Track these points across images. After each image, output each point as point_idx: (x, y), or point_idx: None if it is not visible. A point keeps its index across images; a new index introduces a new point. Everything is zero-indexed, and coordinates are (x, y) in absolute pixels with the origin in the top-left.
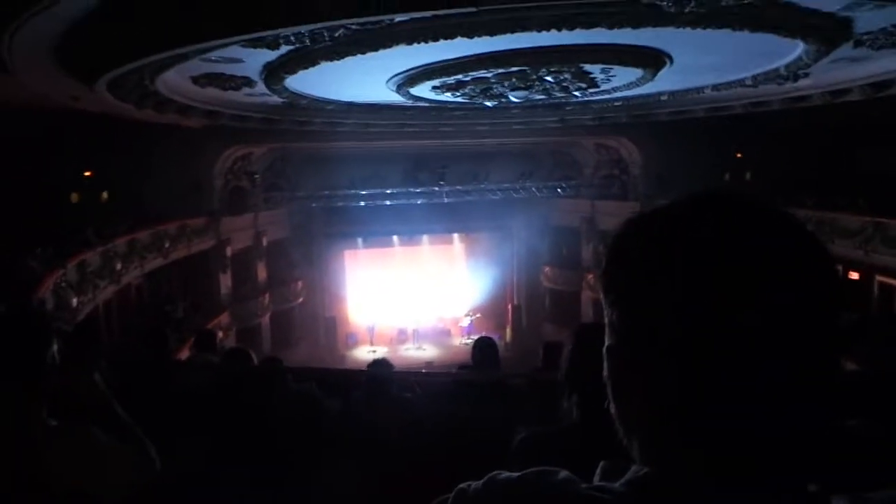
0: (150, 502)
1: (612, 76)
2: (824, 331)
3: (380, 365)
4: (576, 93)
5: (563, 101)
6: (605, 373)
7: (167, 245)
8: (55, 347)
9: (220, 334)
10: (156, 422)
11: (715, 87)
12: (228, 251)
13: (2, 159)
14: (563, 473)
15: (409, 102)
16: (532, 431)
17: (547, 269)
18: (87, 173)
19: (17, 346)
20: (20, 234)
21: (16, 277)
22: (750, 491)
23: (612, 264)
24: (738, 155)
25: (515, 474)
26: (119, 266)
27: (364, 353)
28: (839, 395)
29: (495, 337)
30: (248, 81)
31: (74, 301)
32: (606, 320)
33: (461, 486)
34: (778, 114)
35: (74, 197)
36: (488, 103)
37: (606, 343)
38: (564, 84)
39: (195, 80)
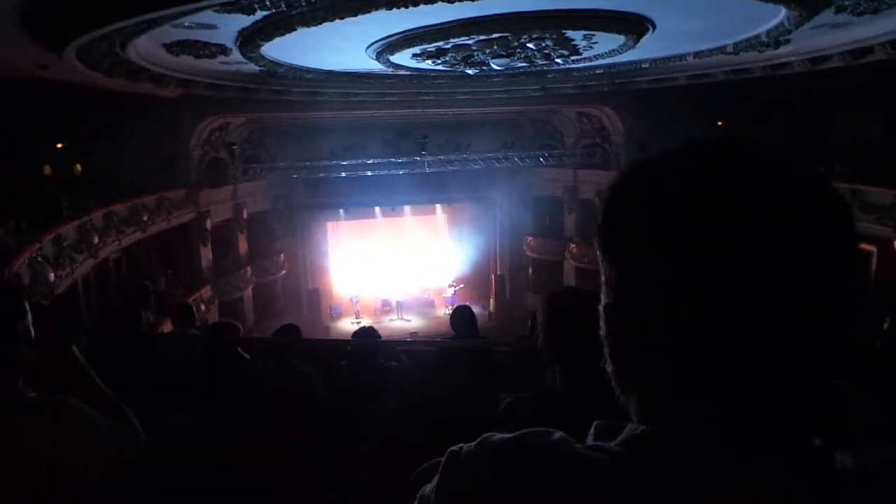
0: (135, 474)
1: (594, 43)
2: (833, 280)
3: (366, 334)
4: (558, 60)
5: (545, 68)
6: (601, 332)
7: (145, 218)
8: (29, 319)
9: (203, 307)
10: (138, 397)
11: (696, 55)
12: (208, 224)
13: None
14: (558, 434)
15: (390, 71)
16: (517, 396)
17: (530, 238)
18: (59, 145)
19: None
20: None
21: None
22: (753, 446)
23: (607, 219)
24: (720, 123)
25: (509, 435)
26: (96, 240)
27: (348, 325)
28: (845, 356)
29: (479, 307)
30: (222, 49)
31: (52, 276)
32: (603, 278)
33: (453, 448)
34: (759, 81)
35: (47, 169)
36: (469, 71)
37: (603, 301)
38: (546, 51)
39: (168, 47)
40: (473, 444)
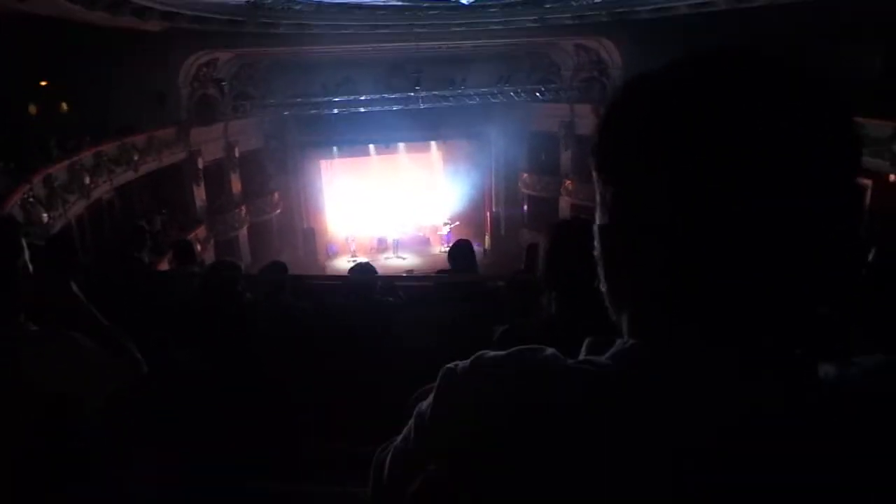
0: (136, 405)
1: None
2: (839, 224)
3: (362, 269)
4: None
5: None
6: (595, 252)
7: (136, 158)
8: (26, 254)
9: (199, 247)
10: (139, 333)
11: None
12: (200, 163)
13: None
14: (550, 350)
15: (382, 1)
16: (512, 324)
17: (525, 175)
18: (42, 83)
19: None
20: None
21: None
22: (738, 356)
23: (605, 136)
24: None
25: (502, 352)
26: (88, 180)
27: (344, 263)
28: (841, 289)
29: (475, 244)
30: None
31: (45, 216)
32: (598, 199)
33: (448, 366)
34: (759, 12)
35: (32, 108)
36: (464, 0)
37: (598, 221)
38: None
39: None
40: (468, 361)
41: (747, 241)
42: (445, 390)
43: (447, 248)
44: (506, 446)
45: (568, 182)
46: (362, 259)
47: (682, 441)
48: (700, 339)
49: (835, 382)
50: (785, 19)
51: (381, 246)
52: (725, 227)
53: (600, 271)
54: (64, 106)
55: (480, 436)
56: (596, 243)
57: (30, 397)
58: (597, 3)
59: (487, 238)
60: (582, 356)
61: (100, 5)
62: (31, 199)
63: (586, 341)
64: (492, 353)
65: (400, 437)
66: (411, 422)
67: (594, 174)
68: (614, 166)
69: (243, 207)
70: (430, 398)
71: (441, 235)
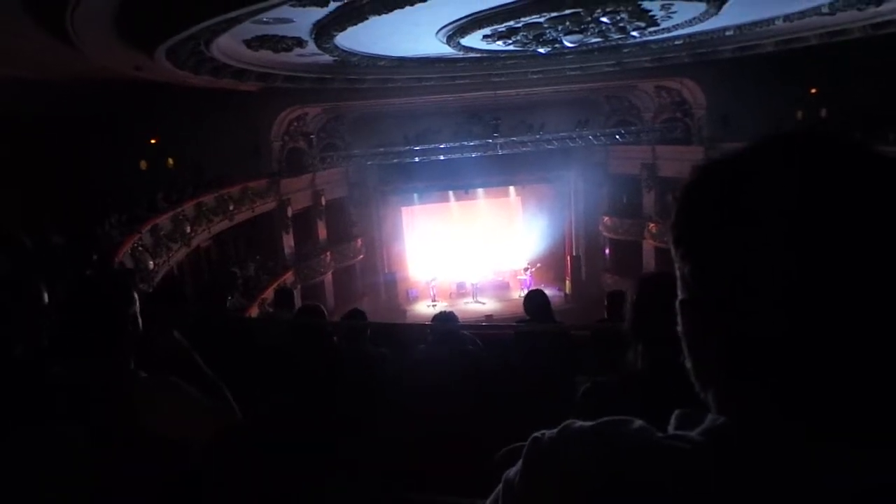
0: (229, 449)
1: (672, 13)
2: None
3: (446, 318)
4: (634, 33)
5: (620, 42)
6: (679, 328)
7: (231, 207)
8: (137, 305)
9: None
10: (235, 377)
11: (786, 18)
12: (289, 211)
13: (75, 133)
14: (638, 422)
15: (460, 54)
16: (596, 381)
17: (606, 218)
18: (153, 141)
19: (105, 303)
20: (96, 202)
21: (97, 244)
22: (834, 439)
23: (684, 214)
24: (813, 91)
25: (589, 423)
26: (189, 229)
27: (424, 308)
28: None
29: (555, 289)
30: (299, 41)
31: (151, 264)
32: (678, 273)
33: (535, 434)
34: (858, 43)
35: (143, 164)
36: (541, 50)
37: (679, 297)
38: (621, 24)
39: (248, 43)
40: (555, 431)
41: (845, 325)
42: (533, 462)
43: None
44: None
45: (651, 225)
46: (442, 304)
47: None
48: (792, 419)
49: None
50: (885, 51)
51: (461, 291)
52: (818, 313)
53: (684, 347)
54: (170, 161)
55: None
56: (678, 318)
57: (140, 441)
58: (677, 44)
59: (568, 282)
60: (671, 429)
61: (204, 70)
62: (139, 248)
63: (675, 414)
64: (578, 425)
65: (489, 502)
66: (499, 488)
67: (672, 250)
68: (694, 241)
69: (328, 253)
70: (518, 468)
71: (521, 280)
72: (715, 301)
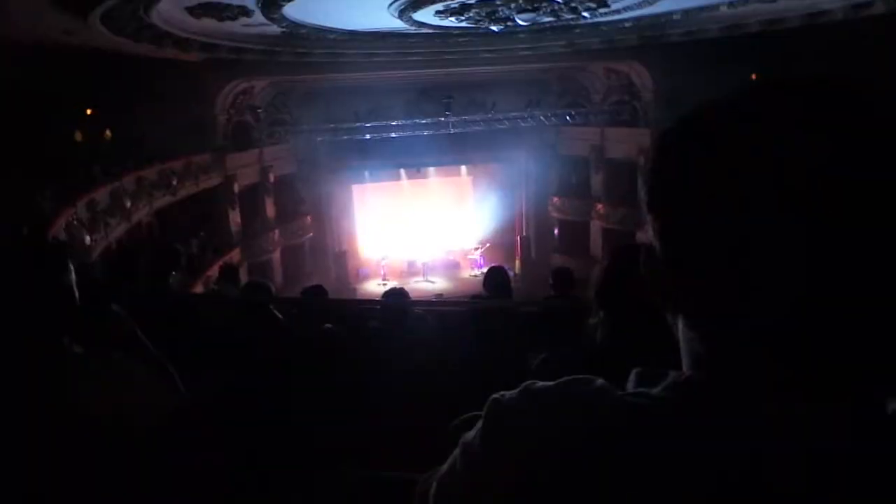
0: (176, 428)
1: None
2: None
3: (396, 294)
4: (585, 14)
5: (572, 23)
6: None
7: (174, 182)
8: (73, 277)
9: None
10: (177, 355)
11: (731, 4)
12: (236, 187)
13: (5, 100)
14: (599, 381)
15: (413, 29)
16: (552, 353)
17: (556, 199)
18: (88, 111)
19: (36, 274)
20: (28, 173)
21: (29, 216)
22: (802, 386)
23: (660, 171)
24: (753, 77)
25: (551, 383)
26: (128, 204)
27: (375, 287)
28: None
29: (505, 268)
30: (244, 10)
31: (87, 239)
32: (652, 231)
33: (495, 396)
34: (796, 32)
35: (78, 135)
36: (494, 28)
37: (661, 255)
38: (573, 4)
39: (190, 10)
40: (516, 391)
41: (848, 288)
42: (494, 422)
43: (478, 273)
44: (557, 481)
45: (599, 206)
46: (392, 282)
47: (742, 472)
48: (763, 372)
49: None
50: (823, 38)
51: (412, 269)
52: (830, 278)
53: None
54: (108, 133)
55: (530, 470)
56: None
57: (78, 419)
58: (626, 27)
59: (518, 262)
60: (631, 387)
61: (144, 38)
62: (75, 222)
63: (634, 371)
64: (540, 384)
65: (445, 468)
66: (457, 452)
67: (645, 203)
68: (675, 198)
69: (276, 231)
70: (478, 428)
71: (472, 259)
72: (698, 262)
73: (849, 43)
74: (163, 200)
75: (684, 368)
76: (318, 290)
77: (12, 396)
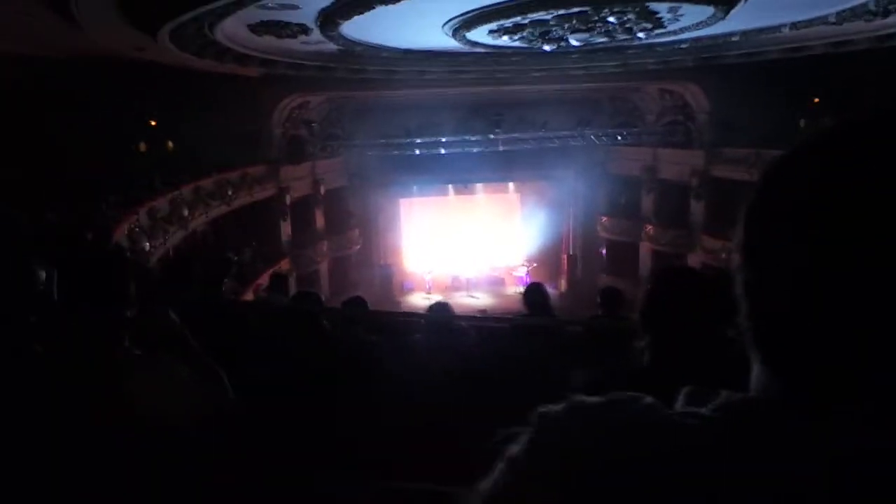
0: (222, 429)
1: (679, 15)
2: None
3: (441, 309)
4: (640, 34)
5: (626, 44)
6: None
7: (230, 192)
8: (132, 282)
9: None
10: (227, 360)
11: (793, 26)
12: (288, 199)
13: (76, 111)
14: (648, 399)
15: (466, 48)
16: (597, 373)
17: (604, 219)
18: (152, 123)
19: (101, 279)
20: (94, 182)
21: (92, 223)
22: (848, 413)
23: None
24: (816, 100)
25: (599, 398)
26: (186, 212)
27: (419, 300)
28: None
29: (550, 287)
30: (303, 29)
31: (147, 245)
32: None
33: (541, 409)
34: (862, 54)
35: (142, 146)
36: (547, 47)
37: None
38: (628, 25)
39: (252, 28)
40: (563, 405)
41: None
42: (539, 436)
43: (522, 289)
44: (602, 498)
45: (649, 227)
46: (437, 296)
47: (790, 497)
48: (821, 394)
49: None
50: (891, 61)
51: (456, 284)
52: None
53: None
54: (169, 144)
55: (575, 486)
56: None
57: (134, 419)
58: (683, 48)
59: (563, 281)
60: (680, 406)
61: (208, 53)
62: (136, 229)
63: (684, 391)
64: (588, 400)
65: (490, 483)
66: (501, 467)
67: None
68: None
69: (325, 242)
70: (524, 442)
71: (516, 276)
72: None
73: None
74: (218, 210)
75: (754, 382)
76: (358, 301)
77: (75, 396)
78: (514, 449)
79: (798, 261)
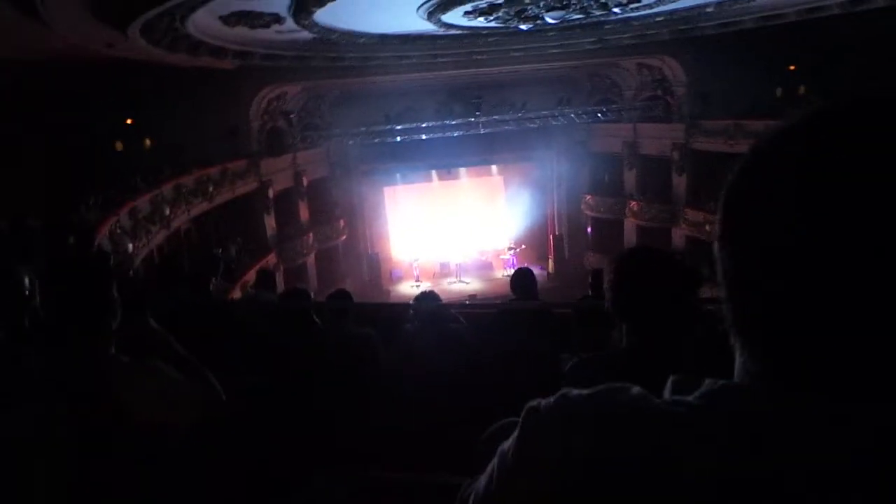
0: (214, 432)
1: None
2: None
3: (428, 297)
4: (615, 9)
5: (602, 19)
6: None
7: (211, 189)
8: (116, 294)
9: None
10: (216, 358)
11: None
12: (270, 192)
13: (48, 112)
14: (636, 389)
15: (442, 31)
16: (582, 357)
17: (588, 197)
18: (128, 121)
19: (85, 286)
20: (71, 184)
21: (73, 227)
22: (831, 404)
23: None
24: (791, 67)
25: (587, 390)
26: (168, 211)
27: (408, 288)
28: None
29: (538, 269)
30: (277, 18)
31: (130, 246)
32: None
33: (531, 403)
34: (836, 19)
35: (119, 145)
36: (523, 27)
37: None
38: (603, 0)
39: (224, 19)
40: (552, 399)
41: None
42: (530, 431)
43: (510, 273)
44: (593, 490)
45: (633, 203)
46: (426, 284)
47: (773, 481)
48: (795, 383)
49: None
50: (863, 28)
51: (444, 271)
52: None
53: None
54: (147, 142)
55: (567, 479)
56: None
57: (125, 425)
58: (658, 21)
59: (551, 262)
60: (667, 394)
61: (180, 47)
62: (118, 230)
63: (671, 379)
64: (576, 393)
65: (483, 477)
66: (494, 461)
67: (721, 214)
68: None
69: (311, 234)
70: (514, 437)
71: (504, 259)
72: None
73: (892, 32)
74: (200, 207)
75: (739, 368)
76: (343, 294)
77: (66, 400)
78: (506, 444)
79: (776, 248)
